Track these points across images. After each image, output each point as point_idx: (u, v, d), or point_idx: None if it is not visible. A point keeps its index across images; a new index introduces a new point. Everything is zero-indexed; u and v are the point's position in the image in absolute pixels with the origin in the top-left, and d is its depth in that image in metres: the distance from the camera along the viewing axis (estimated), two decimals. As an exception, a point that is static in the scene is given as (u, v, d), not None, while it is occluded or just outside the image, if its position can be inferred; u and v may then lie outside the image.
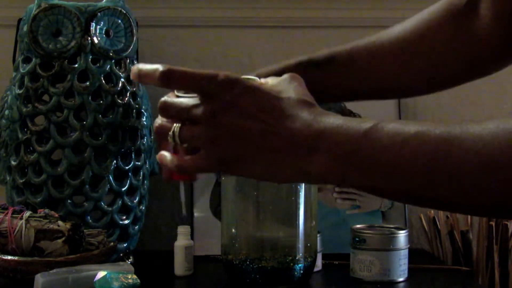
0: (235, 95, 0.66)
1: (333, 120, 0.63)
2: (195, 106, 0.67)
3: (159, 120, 0.73)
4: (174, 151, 0.73)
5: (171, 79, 0.68)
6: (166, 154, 0.73)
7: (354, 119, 0.63)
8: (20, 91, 1.18)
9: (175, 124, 0.70)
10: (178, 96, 0.72)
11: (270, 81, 0.71)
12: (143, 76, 0.70)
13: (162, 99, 0.72)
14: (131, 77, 0.73)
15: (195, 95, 0.69)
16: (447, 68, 0.91)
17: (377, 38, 0.93)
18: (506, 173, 0.55)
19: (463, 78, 0.95)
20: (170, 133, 0.70)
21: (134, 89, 1.21)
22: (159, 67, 0.68)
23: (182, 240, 1.16)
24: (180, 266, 1.16)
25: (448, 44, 0.89)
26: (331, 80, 0.91)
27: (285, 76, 0.70)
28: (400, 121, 0.62)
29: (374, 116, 1.38)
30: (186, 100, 0.69)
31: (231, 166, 0.67)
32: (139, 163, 1.21)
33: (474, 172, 0.56)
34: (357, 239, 1.14)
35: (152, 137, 1.27)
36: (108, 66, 1.18)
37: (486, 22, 0.85)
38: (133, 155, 1.20)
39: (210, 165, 0.69)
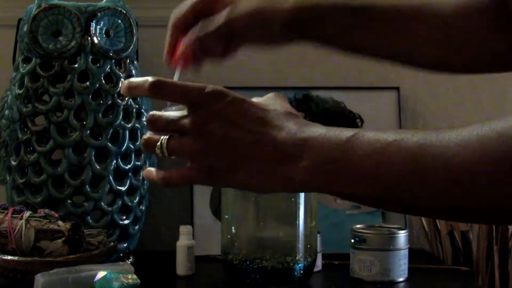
0: (223, 106, 0.67)
1: (316, 129, 0.65)
2: (183, 117, 0.69)
3: (147, 134, 0.74)
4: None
5: (160, 90, 0.69)
6: (152, 169, 0.74)
7: (337, 129, 0.65)
8: (20, 91, 1.18)
9: (162, 137, 0.71)
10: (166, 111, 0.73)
11: (255, 99, 0.72)
12: (133, 89, 0.71)
13: (151, 112, 0.73)
14: (122, 91, 0.74)
15: (183, 109, 0.70)
16: (488, 51, 0.86)
17: (424, 2, 0.86)
18: (474, 180, 0.56)
19: (486, 68, 0.90)
20: (158, 144, 0.71)
21: (134, 89, 1.21)
22: (148, 78, 0.69)
23: (184, 240, 1.16)
24: (182, 266, 1.16)
25: (491, 26, 0.84)
26: (365, 32, 0.83)
27: (270, 94, 0.72)
28: (380, 130, 0.63)
29: (375, 116, 1.39)
30: (174, 112, 0.70)
31: (219, 176, 0.68)
32: (139, 163, 1.21)
33: (445, 179, 0.57)
34: (357, 239, 1.14)
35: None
36: (108, 66, 1.18)
37: None
38: (133, 155, 1.20)
39: (198, 176, 0.70)
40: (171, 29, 0.86)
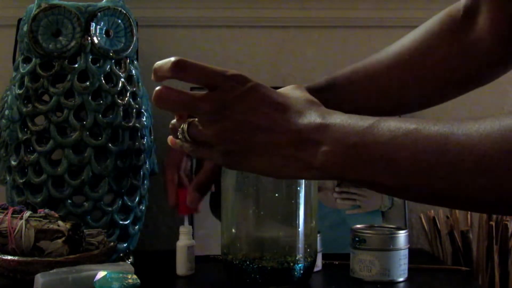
0: (245, 90, 0.67)
1: (338, 116, 0.66)
2: (201, 99, 0.68)
3: (172, 121, 0.76)
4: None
5: (182, 70, 0.69)
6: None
7: (359, 116, 0.66)
8: (20, 91, 1.18)
9: (183, 124, 0.71)
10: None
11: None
12: (157, 71, 0.71)
13: (163, 88, 0.72)
14: (153, 79, 0.74)
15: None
16: (444, 82, 0.92)
17: (375, 58, 0.94)
18: (498, 170, 0.55)
19: (459, 91, 0.97)
20: (180, 129, 0.71)
21: (134, 89, 1.21)
22: (171, 58, 0.69)
23: (184, 240, 1.16)
24: (182, 266, 1.16)
25: (445, 58, 0.90)
26: (334, 104, 0.91)
27: (290, 86, 0.74)
28: (401, 118, 0.63)
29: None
30: (192, 93, 0.70)
31: (236, 159, 0.68)
32: (139, 163, 1.21)
33: (468, 169, 0.57)
34: (357, 239, 1.14)
35: (152, 137, 1.27)
36: (108, 66, 1.18)
37: (484, 35, 0.86)
38: (133, 155, 1.20)
39: (217, 159, 0.70)
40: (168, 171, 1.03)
